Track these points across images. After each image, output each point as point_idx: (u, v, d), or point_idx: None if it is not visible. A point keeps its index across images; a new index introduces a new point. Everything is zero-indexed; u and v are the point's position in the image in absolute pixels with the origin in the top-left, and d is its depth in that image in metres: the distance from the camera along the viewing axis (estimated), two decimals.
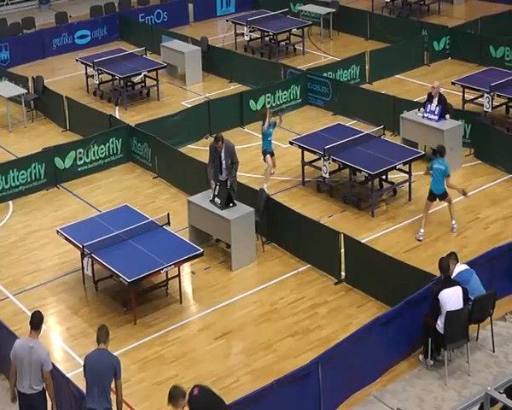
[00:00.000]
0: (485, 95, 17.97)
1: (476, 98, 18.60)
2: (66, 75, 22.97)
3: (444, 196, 14.39)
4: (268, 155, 16.13)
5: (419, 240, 14.19)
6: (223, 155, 14.14)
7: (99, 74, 20.98)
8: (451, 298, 10.94)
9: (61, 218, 15.41)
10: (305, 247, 13.84)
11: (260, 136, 16.46)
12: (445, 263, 11.23)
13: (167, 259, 12.59)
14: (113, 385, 9.47)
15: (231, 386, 11.06)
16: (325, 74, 20.45)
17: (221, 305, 12.87)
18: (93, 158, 17.44)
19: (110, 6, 27.46)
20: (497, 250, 12.56)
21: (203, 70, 22.22)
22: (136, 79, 21.20)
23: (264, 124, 16.03)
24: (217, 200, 13.94)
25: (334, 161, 15.65)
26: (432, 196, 14.34)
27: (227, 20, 25.61)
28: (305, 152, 16.22)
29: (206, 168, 14.36)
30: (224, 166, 14.18)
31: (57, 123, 19.76)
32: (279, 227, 14.31)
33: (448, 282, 11.12)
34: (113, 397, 9.47)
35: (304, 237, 13.85)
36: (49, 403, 9.77)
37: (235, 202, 13.92)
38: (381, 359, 11.13)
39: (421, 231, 14.26)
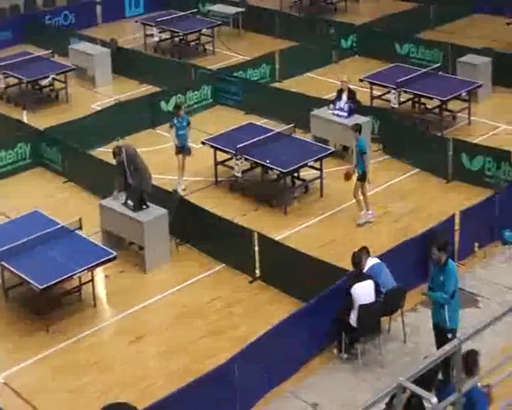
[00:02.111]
0: (392, 91, 18.34)
1: (384, 94, 18.97)
2: None
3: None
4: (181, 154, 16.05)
5: (370, 222, 14.62)
6: (125, 163, 14.03)
7: (5, 78, 20.51)
8: (363, 292, 11.14)
9: None
10: (220, 246, 13.86)
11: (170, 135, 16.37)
12: (357, 257, 11.44)
13: (80, 264, 12.44)
14: None
15: (147, 389, 10.98)
16: (236, 74, 20.52)
17: (135, 308, 12.77)
18: (1, 164, 17.05)
19: (15, 8, 26.83)
20: (407, 243, 12.85)
21: (113, 72, 21.97)
22: (44, 83, 20.79)
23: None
24: (129, 202, 13.83)
25: (246, 159, 15.73)
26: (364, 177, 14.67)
27: (136, 21, 25.40)
28: (218, 152, 16.24)
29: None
30: (128, 174, 14.06)
31: None
32: (193, 228, 14.29)
33: (360, 276, 11.33)
34: None
35: (218, 236, 13.87)
36: None
37: (148, 204, 13.83)
38: (297, 354, 11.25)
39: (370, 211, 14.68)
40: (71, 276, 12.30)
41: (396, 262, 12.06)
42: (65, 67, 21.12)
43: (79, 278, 12.64)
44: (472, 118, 18.48)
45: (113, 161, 14.43)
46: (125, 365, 11.55)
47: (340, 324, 11.32)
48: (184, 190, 15.82)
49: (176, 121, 16.01)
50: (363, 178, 14.63)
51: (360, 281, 11.21)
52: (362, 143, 14.68)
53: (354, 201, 14.90)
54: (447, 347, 6.72)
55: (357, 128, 14.80)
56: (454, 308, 10.51)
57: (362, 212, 14.73)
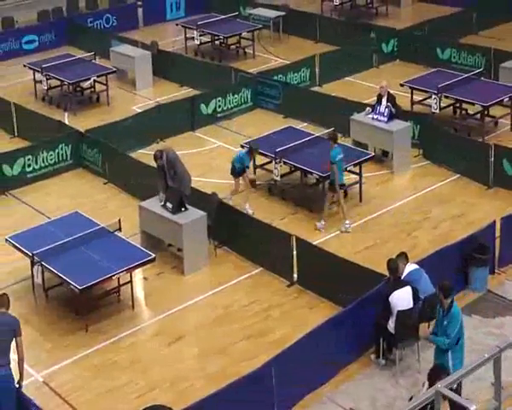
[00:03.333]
0: (433, 96, 18.20)
1: (424, 100, 18.83)
2: (14, 81, 22.63)
3: (343, 187, 14.72)
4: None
5: (348, 231, 14.46)
6: (165, 167, 14.11)
7: (47, 80, 20.75)
8: (402, 299, 11.06)
9: (9, 226, 15.14)
10: (258, 250, 13.86)
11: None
12: (394, 264, 11.37)
13: (119, 265, 12.51)
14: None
15: (185, 391, 11.02)
16: (275, 77, 20.54)
17: (173, 310, 12.82)
18: (42, 164, 17.24)
19: (58, 11, 27.15)
20: (447, 249, 12.74)
21: (153, 75, 22.12)
22: (86, 85, 21.02)
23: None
24: (168, 204, 13.90)
25: (285, 163, 15.72)
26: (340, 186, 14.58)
27: (177, 25, 25.55)
28: (257, 155, 16.25)
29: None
30: (168, 177, 14.13)
31: (5, 130, 19.48)
32: (231, 231, 14.31)
33: (398, 283, 11.25)
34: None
35: (256, 240, 13.88)
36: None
37: (187, 206, 13.89)
38: (334, 359, 11.21)
39: (347, 221, 14.61)
40: (110, 277, 12.39)
41: (435, 268, 11.96)
42: (106, 69, 21.31)
43: (118, 279, 12.72)
44: None
45: (153, 163, 14.53)
46: (163, 366, 11.60)
47: (379, 329, 11.26)
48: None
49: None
50: (333, 187, 14.53)
51: (398, 288, 11.13)
52: (333, 153, 14.50)
53: (394, 206, 14.82)
54: (487, 354, 6.67)
55: (332, 137, 14.69)
56: (458, 355, 10.10)
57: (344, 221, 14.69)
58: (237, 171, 15.36)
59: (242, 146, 16.17)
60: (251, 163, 15.60)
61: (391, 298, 11.04)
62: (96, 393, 11.14)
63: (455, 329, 10.11)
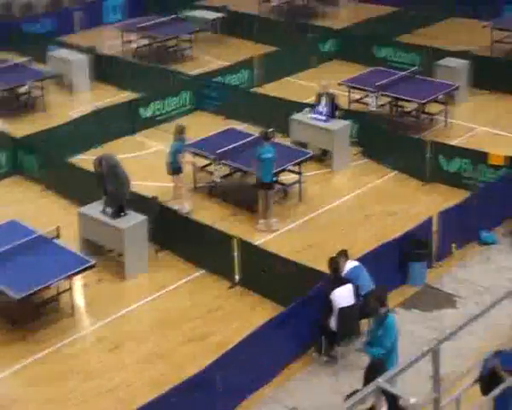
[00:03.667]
0: (371, 94, 18.39)
1: (362, 98, 19.02)
2: None
3: (269, 187, 14.66)
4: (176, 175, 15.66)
5: (263, 230, 14.58)
6: (105, 174, 13.97)
7: None
8: (343, 296, 11.15)
9: None
10: (199, 252, 13.82)
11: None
12: (334, 262, 11.45)
13: (57, 273, 12.37)
14: None
15: (127, 397, 10.91)
16: (215, 79, 20.51)
17: (114, 316, 12.70)
18: None
19: None
20: (386, 245, 12.88)
21: (91, 79, 21.90)
22: (22, 90, 20.67)
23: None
24: (107, 210, 13.78)
25: (225, 165, 15.72)
26: (262, 185, 14.59)
27: (115, 27, 25.34)
28: (197, 157, 16.21)
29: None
30: (107, 183, 13.97)
31: None
32: (172, 234, 14.24)
33: (339, 280, 11.33)
34: None
35: (197, 242, 13.84)
36: None
37: (127, 210, 13.78)
38: (276, 359, 11.23)
39: (274, 220, 14.65)
40: (48, 285, 12.22)
41: (375, 265, 12.07)
42: (43, 74, 21.01)
43: (57, 287, 12.56)
44: (449, 120, 18.58)
45: (92, 168, 14.37)
46: (105, 373, 11.47)
47: (320, 327, 11.31)
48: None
49: (182, 145, 15.50)
50: (262, 185, 14.67)
51: (339, 285, 11.21)
52: (260, 150, 14.62)
53: (334, 204, 14.93)
54: (425, 348, 6.73)
55: (263, 135, 14.83)
56: (392, 364, 9.75)
57: (270, 220, 14.75)
58: (173, 168, 15.32)
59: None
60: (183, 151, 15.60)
61: (332, 296, 11.12)
62: (36, 403, 10.96)
63: (390, 340, 10.08)
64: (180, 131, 15.44)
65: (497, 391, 7.18)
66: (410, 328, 11.68)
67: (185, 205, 15.25)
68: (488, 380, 7.91)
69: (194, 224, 13.95)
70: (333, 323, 11.17)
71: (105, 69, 22.09)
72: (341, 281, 11.33)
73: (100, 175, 14.01)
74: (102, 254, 14.08)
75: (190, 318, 12.58)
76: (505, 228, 14.35)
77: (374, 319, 10.39)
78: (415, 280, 12.97)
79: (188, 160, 15.65)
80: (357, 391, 8.31)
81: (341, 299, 11.13)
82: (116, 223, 13.62)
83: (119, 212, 13.70)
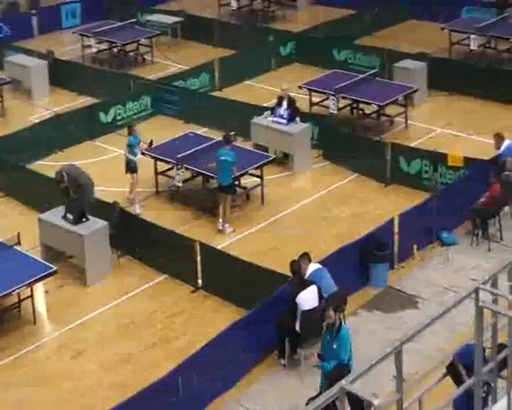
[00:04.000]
0: (331, 97, 18.50)
1: (322, 101, 19.11)
2: None
3: (229, 190, 14.70)
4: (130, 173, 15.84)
5: (224, 232, 14.65)
6: (69, 186, 13.92)
7: None
8: (307, 299, 11.18)
9: None
10: (162, 257, 13.77)
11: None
12: (296, 265, 11.49)
13: (18, 280, 12.26)
14: None
15: (91, 403, 10.85)
16: (175, 83, 20.47)
17: (77, 322, 12.62)
18: None
19: None
20: (347, 247, 12.96)
21: (50, 84, 21.70)
22: None
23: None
24: (69, 215, 13.67)
25: (186, 169, 15.69)
26: (221, 188, 14.68)
27: (73, 32, 25.14)
28: (158, 162, 16.16)
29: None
30: (71, 192, 13.96)
31: None
32: (134, 239, 14.18)
33: (303, 283, 11.36)
34: None
35: (159, 247, 13.79)
36: None
37: (88, 216, 13.69)
38: (240, 363, 11.24)
39: (226, 224, 14.73)
40: (9, 292, 12.09)
41: (337, 266, 12.14)
42: (0, 80, 20.76)
43: (18, 294, 12.43)
44: (409, 122, 18.76)
45: (51, 174, 14.27)
46: (67, 380, 11.39)
47: (283, 330, 11.34)
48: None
49: (133, 140, 15.80)
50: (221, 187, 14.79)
51: (303, 288, 11.24)
52: (218, 152, 14.80)
53: (296, 207, 14.98)
54: (388, 348, 6.79)
55: (224, 138, 14.95)
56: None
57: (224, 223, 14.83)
58: (130, 167, 15.54)
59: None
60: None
61: (297, 299, 11.14)
62: None
63: (347, 351, 10.09)
64: (130, 129, 15.92)
65: (459, 390, 7.27)
66: (373, 329, 11.77)
67: (136, 206, 15.33)
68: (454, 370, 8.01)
69: (156, 228, 13.90)
70: (297, 325, 11.21)
71: (64, 74, 21.89)
72: (306, 283, 11.38)
73: (63, 188, 13.94)
74: (63, 260, 13.97)
75: (153, 322, 12.55)
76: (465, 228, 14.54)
77: (326, 333, 10.36)
78: (376, 282, 13.06)
79: (142, 147, 15.95)
80: (320, 394, 8.39)
81: (305, 302, 11.18)
82: (77, 229, 13.53)
83: (80, 218, 13.60)
